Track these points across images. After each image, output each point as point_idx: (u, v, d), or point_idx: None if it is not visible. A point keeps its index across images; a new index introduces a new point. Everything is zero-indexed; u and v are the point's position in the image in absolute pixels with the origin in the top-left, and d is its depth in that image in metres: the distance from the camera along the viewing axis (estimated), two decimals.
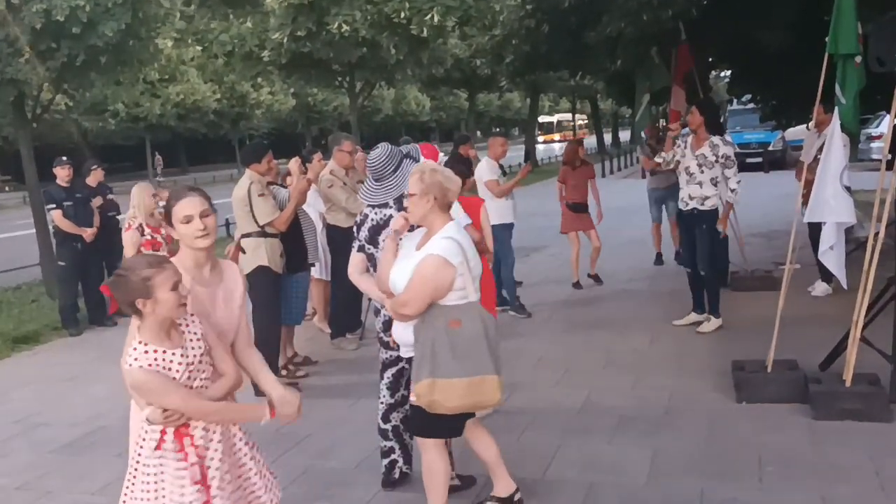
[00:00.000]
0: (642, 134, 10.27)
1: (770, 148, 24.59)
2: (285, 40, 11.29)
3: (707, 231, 6.99)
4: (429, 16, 8.20)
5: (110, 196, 9.32)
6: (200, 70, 38.44)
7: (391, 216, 4.09)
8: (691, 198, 6.96)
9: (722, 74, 22.94)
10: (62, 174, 8.72)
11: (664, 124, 11.57)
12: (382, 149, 4.22)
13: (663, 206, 10.13)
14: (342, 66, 16.29)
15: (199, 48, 16.37)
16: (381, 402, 4.37)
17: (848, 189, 5.57)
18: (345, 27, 9.31)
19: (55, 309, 9.13)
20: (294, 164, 6.16)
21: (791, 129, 21.25)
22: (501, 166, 8.22)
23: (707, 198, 6.90)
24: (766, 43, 8.21)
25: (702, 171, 6.87)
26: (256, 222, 5.96)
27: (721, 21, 8.42)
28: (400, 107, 53.51)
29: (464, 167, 5.50)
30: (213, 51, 15.97)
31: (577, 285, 9.25)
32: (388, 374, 4.34)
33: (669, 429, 4.95)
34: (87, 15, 9.29)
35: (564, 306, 8.52)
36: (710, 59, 11.04)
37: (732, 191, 6.92)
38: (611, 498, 4.10)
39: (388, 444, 4.39)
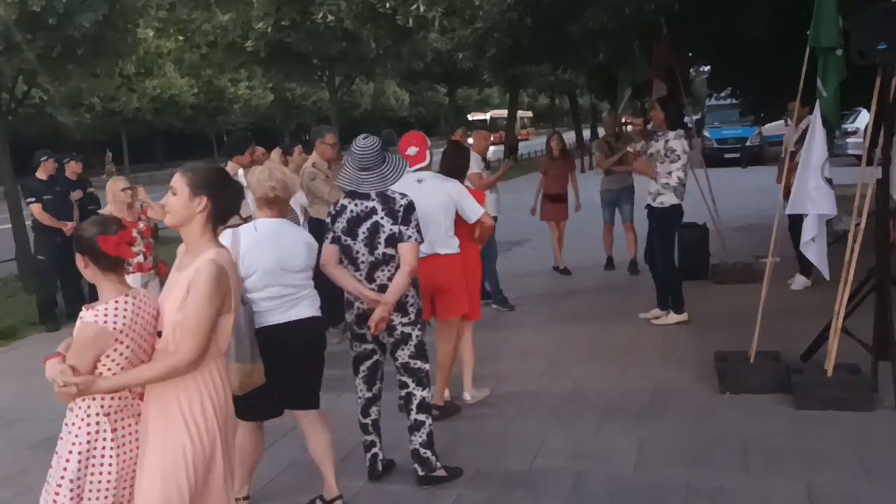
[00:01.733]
0: (598, 130, 10.27)
1: (748, 143, 24.80)
2: (269, 30, 11.18)
3: (658, 228, 7.07)
4: (414, 6, 8.17)
5: (90, 189, 9.21)
6: (178, 64, 38.06)
7: (373, 208, 4.05)
8: (648, 193, 7.08)
9: (702, 69, 23.12)
10: (48, 167, 8.62)
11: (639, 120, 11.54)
12: (373, 140, 4.17)
13: (616, 209, 9.61)
14: (322, 59, 16.21)
15: (181, 38, 16.10)
16: (360, 398, 4.35)
17: (829, 181, 5.62)
18: (329, 17, 9.25)
19: (32, 304, 9.02)
20: (276, 154, 6.11)
21: (768, 125, 21.48)
22: (485, 159, 8.23)
23: (660, 194, 6.96)
24: (747, 36, 8.27)
25: (657, 166, 6.95)
26: (239, 214, 5.89)
27: (703, 14, 8.47)
28: (379, 101, 53.33)
29: (463, 158, 5.41)
30: (195, 41, 15.76)
31: (560, 270, 9.44)
32: (363, 367, 4.32)
33: (655, 418, 4.99)
34: (63, 6, 9.16)
35: (548, 299, 8.54)
36: (690, 54, 11.10)
37: (675, 190, 6.85)
38: (599, 486, 4.12)
39: (370, 437, 4.38)
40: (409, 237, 4.05)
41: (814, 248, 5.66)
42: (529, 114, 64.18)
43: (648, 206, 7.10)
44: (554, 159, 9.44)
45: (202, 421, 2.78)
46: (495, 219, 8.01)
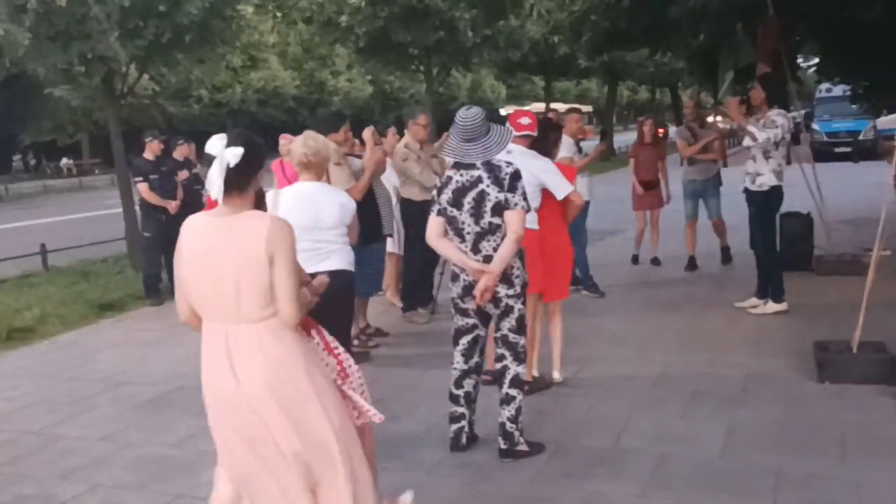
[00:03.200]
0: (685, 112, 9.65)
1: (860, 137, 23.61)
2: (363, 5, 11.39)
3: (756, 213, 6.77)
4: None
5: (195, 170, 9.57)
6: (281, 57, 39.20)
7: (479, 177, 4.05)
8: (746, 174, 6.76)
9: (809, 60, 22.16)
10: (154, 148, 9.01)
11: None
12: (476, 110, 4.19)
13: (700, 202, 8.95)
14: (419, 49, 16.35)
15: (278, 14, 16.54)
16: (455, 369, 4.37)
17: None
18: None
19: (139, 280, 9.44)
20: (368, 132, 6.19)
21: (882, 118, 20.39)
22: (578, 144, 8.10)
23: (758, 174, 6.64)
24: (859, 17, 7.86)
25: (752, 146, 6.62)
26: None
27: None
28: (476, 94, 53.37)
29: (555, 132, 5.45)
30: (292, 17, 16.20)
31: (635, 260, 9.33)
32: (464, 340, 4.33)
33: (746, 405, 4.81)
34: None
35: (639, 287, 8.37)
36: (798, 38, 10.63)
37: (775, 169, 6.56)
38: (683, 468, 4.01)
39: (459, 409, 4.38)
40: (516, 204, 4.01)
41: None
42: (589, 108, 56.72)
43: (746, 190, 6.80)
44: (644, 144, 9.18)
45: None
46: (587, 203, 7.92)
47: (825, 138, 24.15)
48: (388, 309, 7.84)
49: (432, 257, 7.53)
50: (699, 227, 9.09)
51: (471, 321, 4.27)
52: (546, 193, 5.11)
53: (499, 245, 4.05)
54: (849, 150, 22.83)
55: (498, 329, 4.25)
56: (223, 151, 2.76)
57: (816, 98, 26.83)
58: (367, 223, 6.34)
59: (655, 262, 9.29)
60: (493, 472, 4.13)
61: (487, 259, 4.06)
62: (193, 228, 2.86)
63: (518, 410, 4.23)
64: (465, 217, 4.07)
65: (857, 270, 7.70)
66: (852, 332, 5.18)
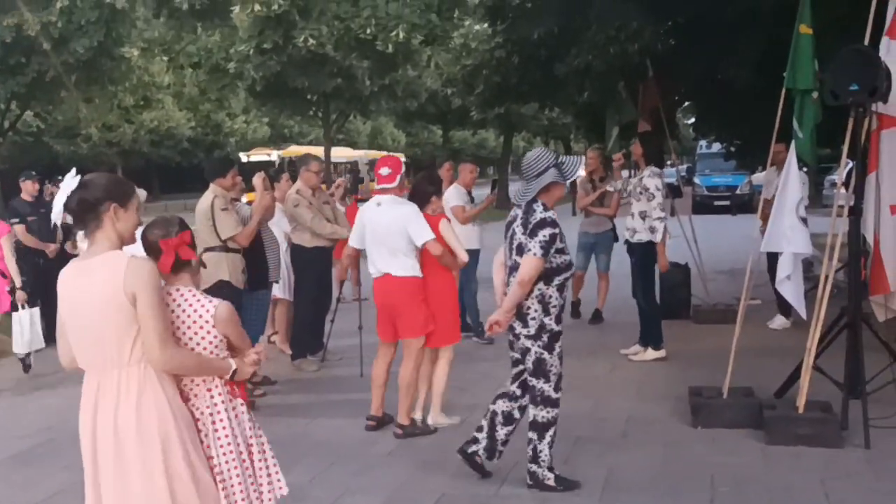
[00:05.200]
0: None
1: (738, 191, 25.06)
2: (251, 52, 11.37)
3: (637, 264, 7.11)
4: (394, 32, 8.34)
5: None
6: (176, 98, 38.44)
7: (515, 216, 4.31)
8: (626, 229, 7.13)
9: (687, 118, 23.42)
10: (29, 188, 8.64)
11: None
12: (532, 153, 4.36)
13: (592, 255, 9.03)
14: (317, 95, 16.39)
15: (164, 59, 16.41)
16: (503, 387, 4.58)
17: (804, 221, 5.68)
18: (311, 41, 9.38)
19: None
20: (258, 179, 6.15)
21: (757, 175, 21.71)
22: (470, 193, 8.26)
23: (636, 231, 7.01)
24: (730, 79, 8.40)
25: (633, 203, 7.02)
26: (219, 236, 5.92)
27: (686, 57, 8.62)
28: (376, 141, 53.73)
29: (432, 186, 5.59)
30: (178, 61, 16.05)
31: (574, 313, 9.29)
32: (514, 370, 4.50)
33: (625, 450, 4.97)
34: (58, 31, 9.29)
35: None
36: (677, 98, 11.27)
37: (652, 229, 6.83)
38: None
39: (483, 422, 4.50)
40: (529, 250, 4.13)
41: (789, 287, 5.69)
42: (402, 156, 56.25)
43: (627, 242, 7.16)
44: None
45: None
46: (477, 252, 8.07)
47: (706, 192, 25.54)
48: (277, 356, 7.69)
49: (323, 304, 7.49)
50: (587, 278, 9.28)
51: (515, 355, 4.43)
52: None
53: None
54: (727, 203, 24.15)
55: (526, 369, 4.36)
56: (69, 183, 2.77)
57: (697, 154, 28.39)
58: (253, 269, 6.28)
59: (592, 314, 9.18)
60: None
61: None
62: (63, 275, 2.79)
63: (535, 451, 4.32)
64: (507, 251, 4.38)
65: (730, 319, 8.05)
66: (724, 378, 5.45)
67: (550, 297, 4.25)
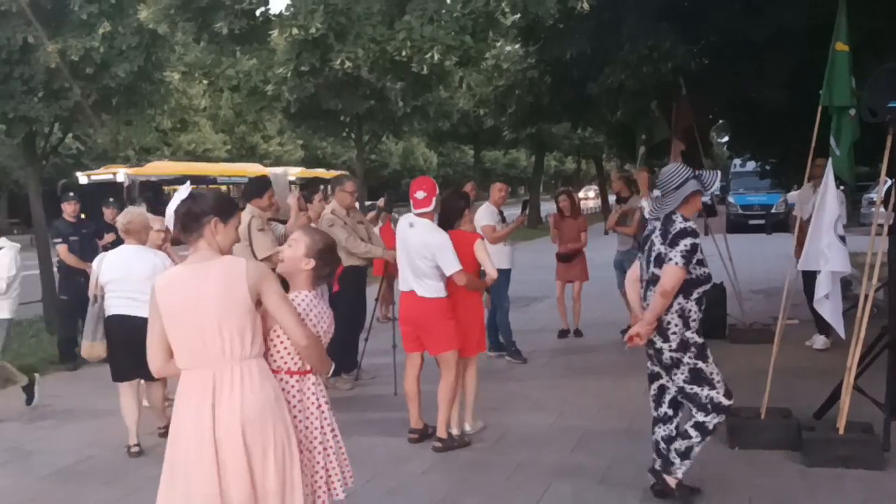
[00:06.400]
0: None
1: (773, 210, 24.76)
2: (289, 75, 11.56)
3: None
4: (429, 54, 8.44)
5: None
6: (212, 120, 39.05)
7: (654, 227, 4.29)
8: None
9: (721, 141, 23.24)
10: (69, 209, 8.84)
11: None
12: (672, 166, 4.39)
13: (623, 272, 8.87)
14: (350, 116, 16.55)
15: (205, 81, 16.79)
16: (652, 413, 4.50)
17: (842, 239, 5.62)
18: (347, 63, 9.51)
19: (54, 344, 9.15)
20: (293, 199, 6.25)
21: (792, 193, 21.47)
22: (501, 213, 8.29)
23: None
24: (763, 100, 8.36)
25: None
26: (255, 256, 6.02)
27: (719, 77, 8.59)
28: (408, 162, 54.04)
29: (462, 201, 5.67)
30: (218, 84, 16.38)
31: (572, 333, 9.28)
32: (653, 386, 4.46)
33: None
34: (100, 56, 9.51)
35: (562, 354, 8.51)
36: (711, 116, 11.22)
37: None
38: None
39: (653, 455, 4.46)
40: (671, 259, 4.08)
41: (827, 306, 5.62)
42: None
43: None
44: (564, 217, 9.28)
45: None
46: (508, 271, 8.09)
47: (740, 210, 25.28)
48: None
49: (358, 322, 7.54)
50: (615, 295, 9.24)
51: (654, 368, 4.39)
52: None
53: None
54: (762, 222, 23.87)
55: (673, 382, 4.30)
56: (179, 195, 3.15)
57: (731, 172, 28.14)
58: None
59: (578, 334, 9.32)
60: None
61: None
62: (169, 282, 3.02)
63: (689, 449, 4.29)
64: (644, 264, 4.34)
65: (767, 338, 7.98)
66: (762, 399, 5.39)
67: (690, 310, 4.19)
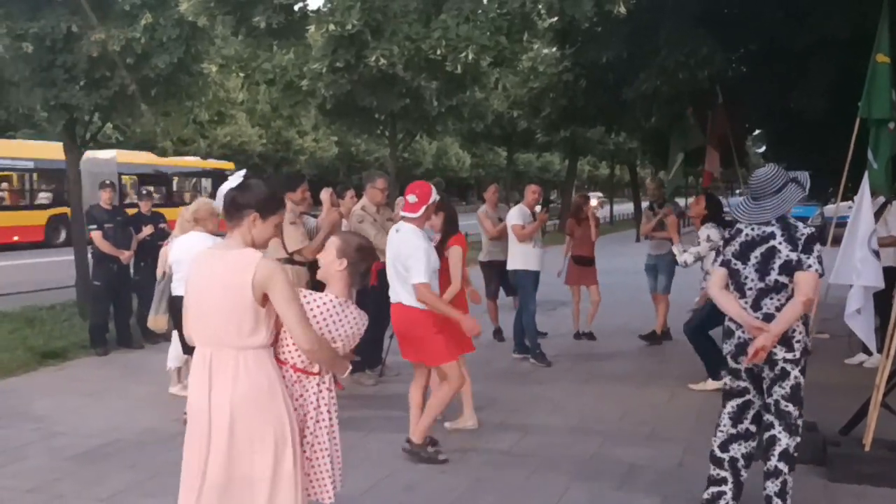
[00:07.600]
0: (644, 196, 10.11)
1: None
2: (324, 71, 11.65)
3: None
4: (463, 53, 8.44)
5: (162, 225, 9.56)
6: (249, 114, 39.43)
7: (772, 233, 3.97)
8: (685, 262, 7.11)
9: (758, 151, 22.96)
10: (105, 196, 8.99)
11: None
12: (765, 169, 4.15)
13: (655, 277, 9.19)
14: (384, 114, 16.62)
15: (241, 74, 16.95)
16: (721, 431, 4.26)
17: (876, 253, 5.54)
18: (382, 61, 9.55)
19: (85, 329, 9.30)
20: (326, 194, 6.29)
21: (829, 206, 21.13)
22: (534, 214, 8.27)
23: (685, 264, 7.07)
24: (802, 109, 8.24)
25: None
26: (285, 249, 6.07)
27: (757, 85, 8.49)
28: (441, 161, 54.11)
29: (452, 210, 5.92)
30: (255, 78, 16.52)
31: (585, 335, 9.26)
32: (732, 403, 4.22)
33: (680, 480, 4.89)
34: (141, 47, 9.66)
35: (586, 359, 8.47)
36: (747, 125, 11.10)
37: (683, 252, 6.98)
38: None
39: (722, 473, 4.24)
40: (810, 266, 3.88)
41: (860, 321, 5.55)
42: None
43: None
44: (581, 221, 9.24)
45: None
46: (537, 273, 8.07)
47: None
48: None
49: (383, 319, 7.57)
50: (644, 300, 9.26)
51: (742, 384, 4.16)
52: (442, 272, 5.42)
53: (782, 305, 3.93)
54: None
55: (769, 395, 4.07)
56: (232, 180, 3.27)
57: None
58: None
59: (590, 336, 9.30)
60: None
61: (767, 317, 3.94)
62: (199, 257, 3.15)
63: (784, 484, 4.03)
64: (749, 272, 4.01)
65: None
66: None
67: (807, 317, 4.08)
